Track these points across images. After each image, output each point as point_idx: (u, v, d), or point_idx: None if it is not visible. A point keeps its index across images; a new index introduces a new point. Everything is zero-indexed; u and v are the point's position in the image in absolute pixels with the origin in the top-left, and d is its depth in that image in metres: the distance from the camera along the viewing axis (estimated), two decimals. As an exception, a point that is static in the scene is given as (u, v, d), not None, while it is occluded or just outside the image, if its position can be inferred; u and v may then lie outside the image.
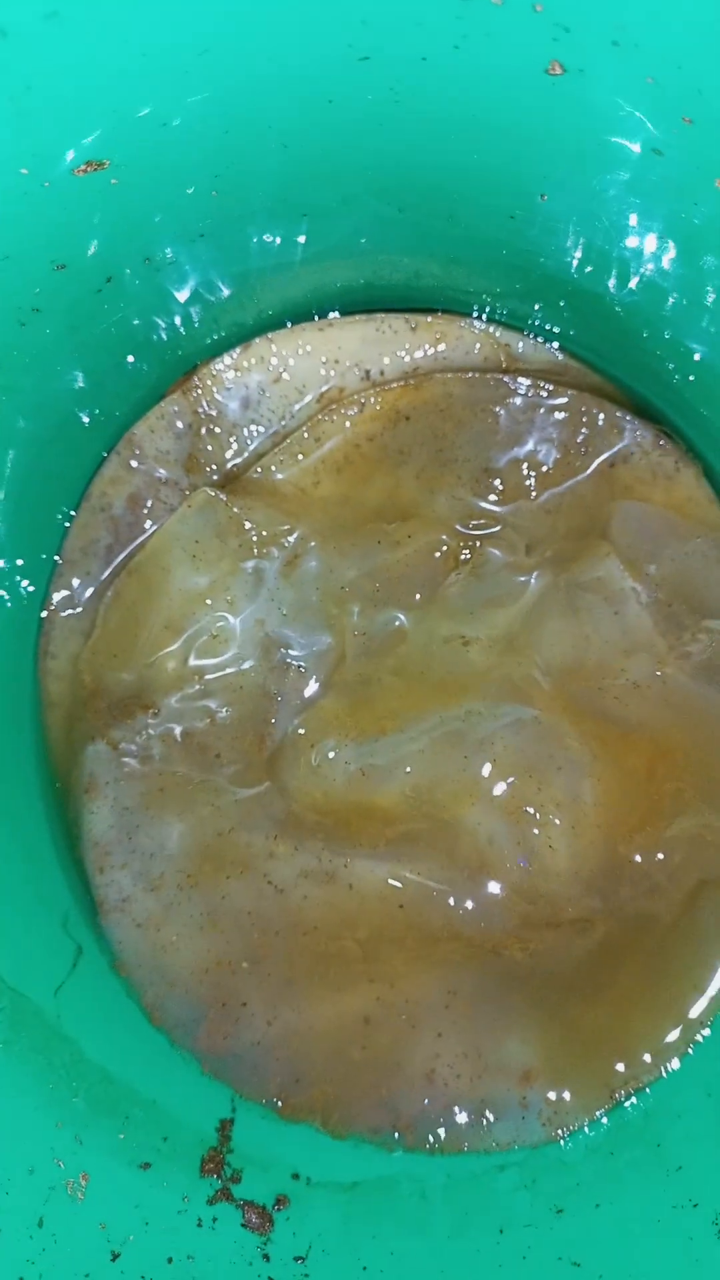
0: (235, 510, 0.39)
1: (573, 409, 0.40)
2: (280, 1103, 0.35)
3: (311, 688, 0.38)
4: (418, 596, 0.38)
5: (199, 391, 0.41)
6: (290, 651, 0.38)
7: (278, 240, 0.34)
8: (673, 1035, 0.34)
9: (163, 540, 0.39)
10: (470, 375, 0.40)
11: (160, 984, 0.37)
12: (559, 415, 0.40)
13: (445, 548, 0.38)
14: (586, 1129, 0.34)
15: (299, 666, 0.38)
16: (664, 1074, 0.33)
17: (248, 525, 0.39)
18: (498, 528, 0.38)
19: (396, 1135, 0.35)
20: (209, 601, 0.39)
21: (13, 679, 0.40)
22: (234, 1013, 0.36)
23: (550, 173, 0.26)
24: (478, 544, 0.38)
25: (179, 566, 0.39)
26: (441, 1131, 0.34)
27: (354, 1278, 0.32)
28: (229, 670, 0.38)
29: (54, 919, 0.38)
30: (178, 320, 0.39)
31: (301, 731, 0.37)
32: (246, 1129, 0.36)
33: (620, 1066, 0.33)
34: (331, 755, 0.36)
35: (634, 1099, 0.34)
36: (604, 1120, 0.34)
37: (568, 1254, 0.32)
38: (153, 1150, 0.34)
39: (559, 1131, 0.33)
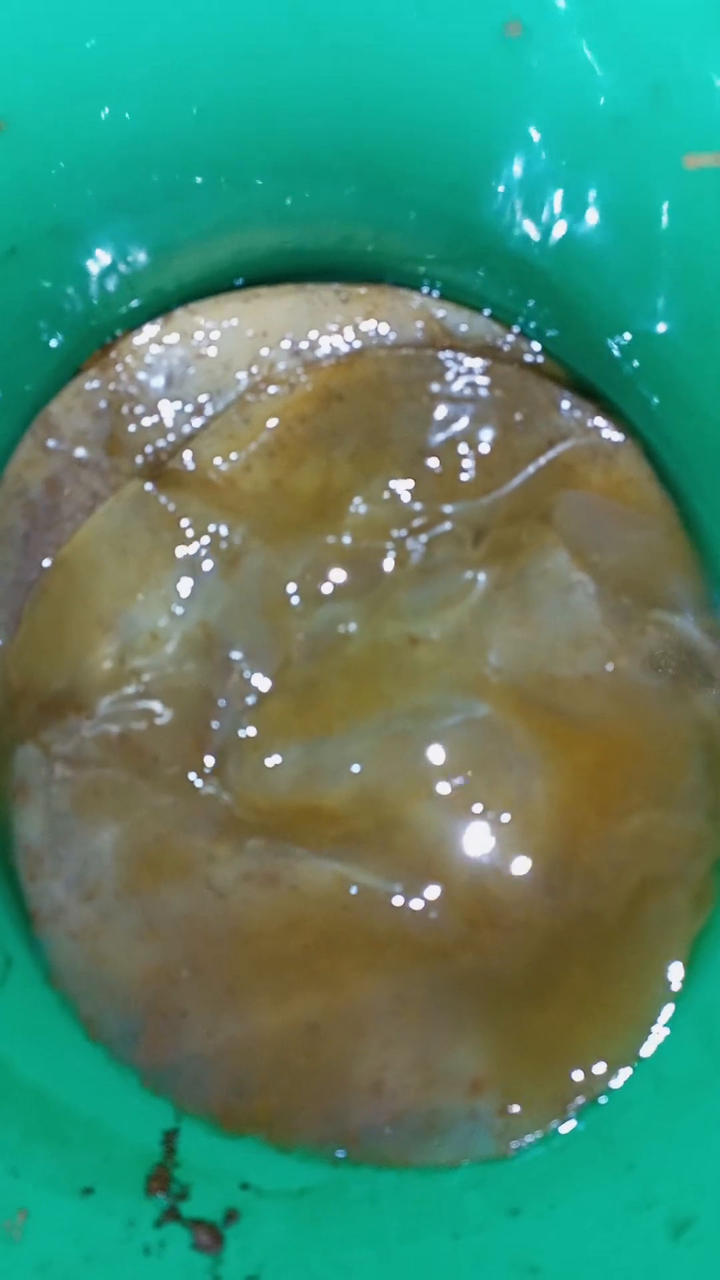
0: (170, 506, 0.37)
1: (511, 386, 0.38)
2: (223, 1116, 0.34)
3: (255, 690, 0.36)
4: (364, 598, 0.36)
5: (119, 368, 0.38)
6: (233, 653, 0.36)
7: (197, 204, 0.31)
8: (622, 1041, 0.33)
9: (90, 533, 0.37)
10: (404, 352, 0.38)
11: (97, 996, 0.36)
12: (496, 393, 0.38)
13: (391, 550, 0.36)
14: (537, 1141, 0.33)
15: (242, 669, 0.36)
16: (615, 1084, 0.33)
17: (181, 520, 0.37)
18: (445, 526, 0.37)
19: (342, 1148, 0.34)
20: (141, 598, 0.37)
21: None
22: (174, 1023, 0.35)
23: (501, 143, 0.25)
24: (423, 543, 0.37)
25: (108, 561, 0.37)
26: (388, 1144, 0.33)
27: (308, 1294, 0.32)
28: (168, 671, 0.36)
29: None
30: (90, 289, 0.37)
31: (244, 735, 0.36)
32: (192, 1139, 0.35)
33: (574, 1075, 0.33)
34: (276, 759, 0.35)
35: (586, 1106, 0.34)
36: (556, 1129, 0.33)
37: (523, 1258, 0.31)
38: (94, 1173, 0.33)
39: (510, 1144, 0.33)
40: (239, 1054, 0.34)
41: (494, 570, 0.36)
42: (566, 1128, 0.34)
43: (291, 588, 0.36)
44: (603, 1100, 0.34)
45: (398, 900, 0.35)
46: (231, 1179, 0.34)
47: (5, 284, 0.32)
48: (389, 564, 0.36)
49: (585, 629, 0.35)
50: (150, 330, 0.38)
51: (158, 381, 0.39)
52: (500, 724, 0.35)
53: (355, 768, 0.35)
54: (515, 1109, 0.33)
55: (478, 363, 0.38)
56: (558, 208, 0.28)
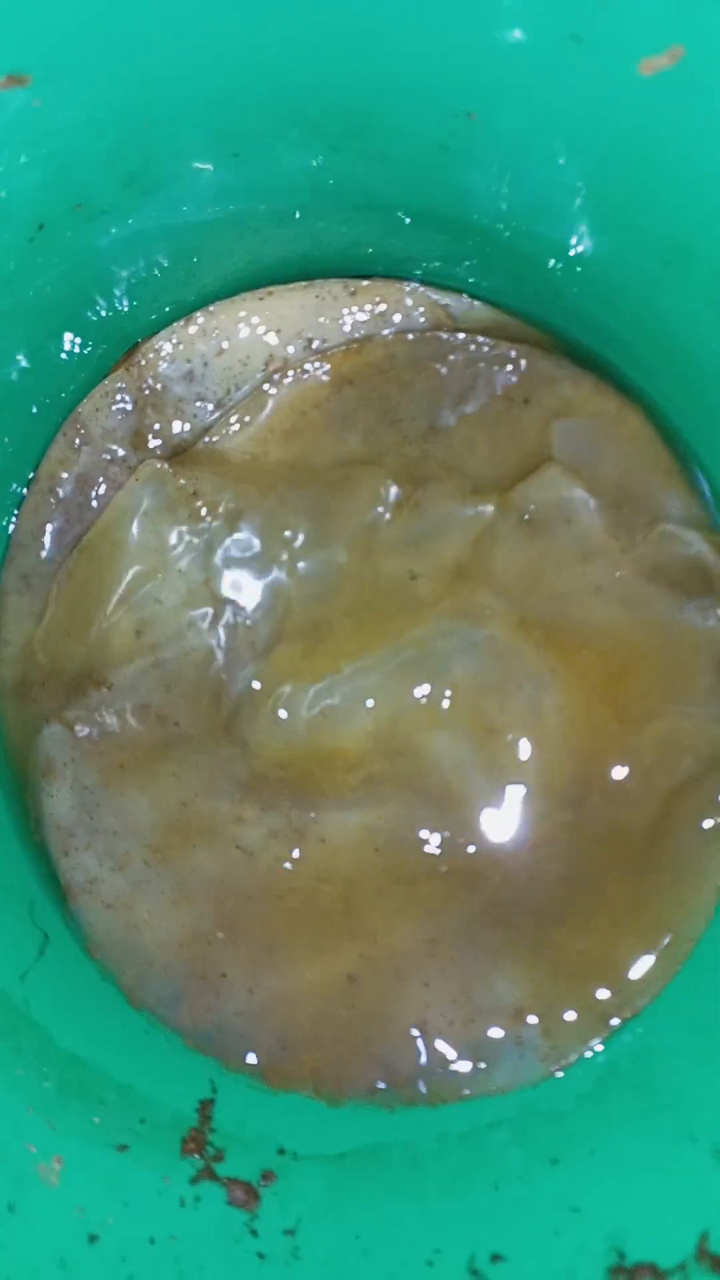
0: (183, 481, 0.38)
1: (514, 363, 0.40)
2: (269, 1072, 0.34)
3: (262, 639, 0.37)
4: (360, 535, 0.37)
5: (143, 367, 0.41)
6: (236, 606, 0.38)
7: (209, 180, 0.33)
8: (660, 953, 0.33)
9: (111, 515, 0.39)
10: (411, 336, 0.40)
11: (136, 964, 0.36)
12: (501, 368, 0.40)
13: (388, 487, 0.38)
14: (587, 1054, 0.33)
15: (245, 620, 0.37)
16: (656, 997, 0.33)
17: (196, 495, 0.38)
18: (442, 474, 0.38)
19: (393, 1092, 0.34)
20: (160, 575, 0.38)
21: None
22: (214, 984, 0.35)
23: (474, 84, 0.27)
24: (423, 486, 0.38)
25: (129, 540, 0.38)
26: (439, 1082, 0.33)
27: (346, 1246, 0.31)
28: (179, 636, 0.37)
29: (19, 907, 0.37)
30: (118, 301, 0.39)
31: (257, 685, 0.37)
32: (228, 1107, 0.35)
33: (610, 993, 0.33)
34: (289, 703, 0.36)
35: (617, 1036, 0.33)
36: (599, 1047, 0.33)
37: (566, 1201, 0.31)
38: (130, 1133, 0.33)
39: (557, 1065, 0.32)
40: (281, 1010, 0.35)
41: (491, 500, 0.37)
42: (607, 1078, 0.34)
43: (289, 532, 0.37)
44: (641, 1047, 0.34)
45: (424, 833, 0.35)
46: (268, 1144, 0.34)
47: (36, 273, 0.34)
48: (386, 504, 0.37)
49: (590, 541, 0.36)
50: (172, 331, 0.41)
51: (179, 379, 0.41)
52: (506, 645, 0.35)
53: (369, 703, 0.35)
54: (559, 1030, 0.33)
55: (481, 341, 0.40)
56: (538, 161, 0.30)
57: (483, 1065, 0.33)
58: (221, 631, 0.37)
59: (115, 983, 0.36)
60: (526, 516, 0.36)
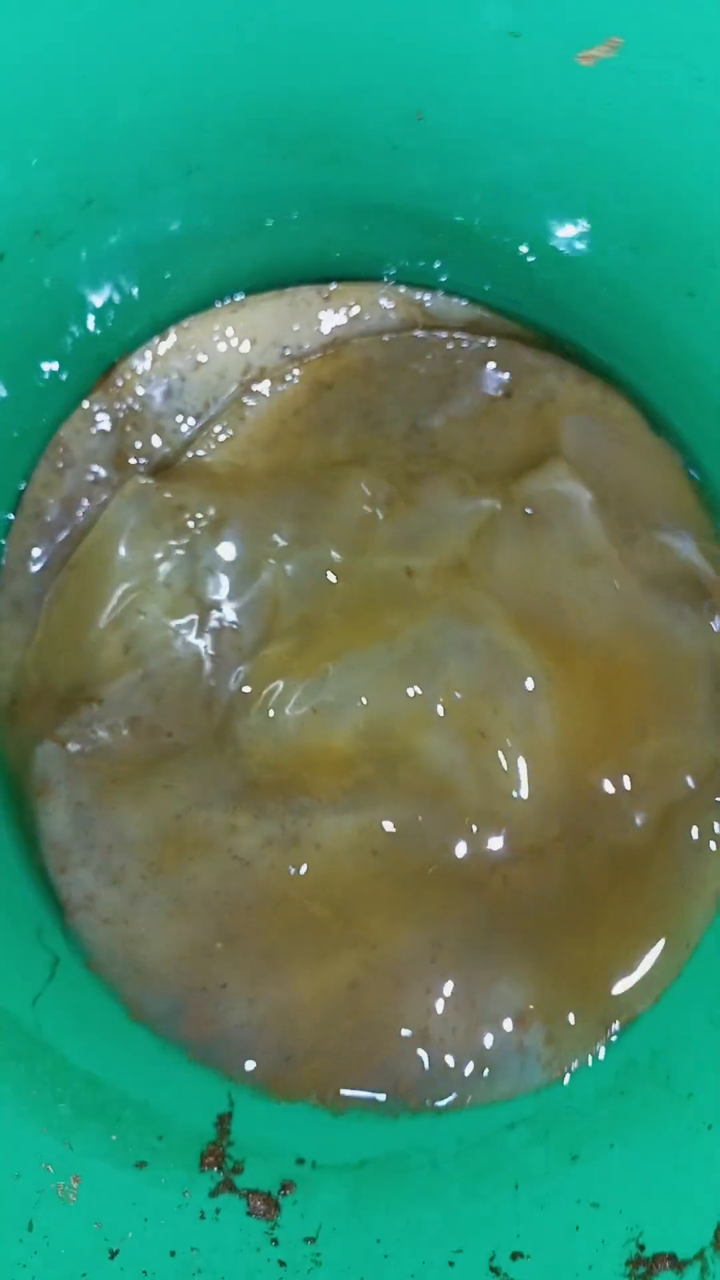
0: (168, 495, 0.38)
1: (494, 356, 0.40)
2: (274, 1083, 0.34)
3: (249, 641, 0.37)
4: (352, 533, 0.37)
5: (120, 387, 0.41)
6: (223, 611, 0.37)
7: (170, 194, 0.33)
8: (661, 962, 0.32)
9: (99, 533, 0.39)
10: (387, 337, 0.40)
11: (136, 978, 0.36)
12: (480, 362, 0.40)
13: (377, 485, 0.37)
14: (589, 1062, 0.32)
15: (232, 624, 0.37)
16: (656, 1001, 0.32)
17: (181, 509, 0.38)
18: (436, 468, 0.37)
19: (398, 1101, 0.33)
20: (148, 588, 0.38)
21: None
22: (214, 996, 0.35)
23: (419, 83, 0.27)
24: (419, 481, 0.37)
25: (115, 558, 0.38)
26: (442, 1090, 0.33)
27: (367, 1251, 0.31)
28: (167, 647, 0.37)
29: (27, 931, 0.37)
30: (92, 322, 0.39)
31: (247, 688, 0.36)
32: (245, 1121, 0.34)
33: (610, 999, 0.32)
34: (279, 699, 0.35)
35: (635, 1032, 0.33)
36: (601, 1054, 0.32)
37: (586, 1196, 0.30)
38: (148, 1149, 0.33)
39: (560, 1071, 0.32)
40: (283, 1020, 0.34)
41: (494, 495, 0.36)
42: (626, 1074, 0.33)
43: (277, 533, 0.37)
44: (661, 1043, 0.33)
45: (420, 835, 0.34)
46: (286, 1155, 0.33)
47: (3, 304, 0.34)
48: (379, 500, 0.37)
49: (590, 544, 0.35)
50: (147, 349, 0.41)
51: (157, 395, 0.41)
52: (502, 647, 0.35)
53: (361, 701, 0.35)
54: (561, 1036, 0.32)
55: (459, 337, 0.40)
56: (490, 155, 0.30)
57: (485, 1072, 0.33)
58: (208, 637, 0.37)
59: (117, 998, 0.36)
60: (528, 510, 0.36)
